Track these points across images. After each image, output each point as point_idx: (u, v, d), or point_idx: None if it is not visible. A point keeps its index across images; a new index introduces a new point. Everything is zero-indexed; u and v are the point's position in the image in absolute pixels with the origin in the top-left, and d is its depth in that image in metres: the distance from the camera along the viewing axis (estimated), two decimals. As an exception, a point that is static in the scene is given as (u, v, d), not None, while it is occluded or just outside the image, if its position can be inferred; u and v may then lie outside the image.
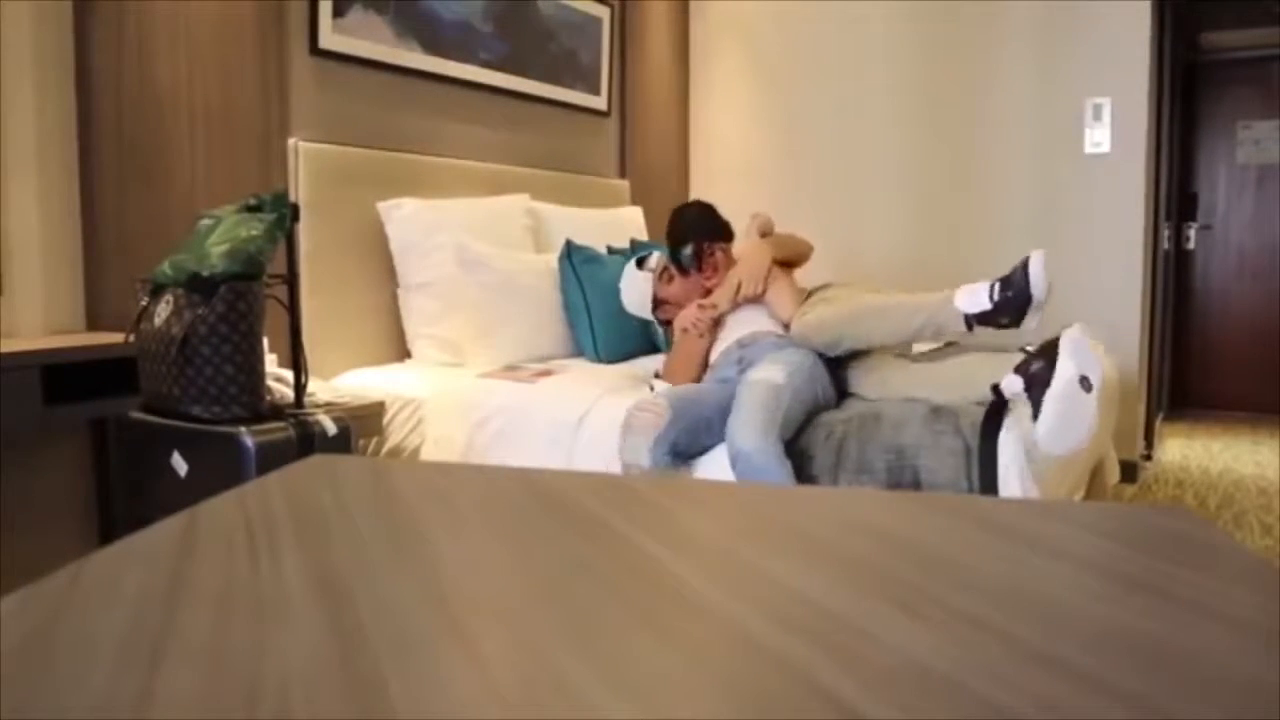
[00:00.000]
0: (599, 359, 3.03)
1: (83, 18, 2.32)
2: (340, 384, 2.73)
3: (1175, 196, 5.50)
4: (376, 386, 2.68)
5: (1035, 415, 2.03)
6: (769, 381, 2.23)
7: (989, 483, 2.07)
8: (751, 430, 2.12)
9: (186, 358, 1.87)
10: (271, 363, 2.18)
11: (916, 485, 2.12)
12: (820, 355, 2.46)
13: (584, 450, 2.42)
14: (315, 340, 2.76)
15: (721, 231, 2.83)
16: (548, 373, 2.75)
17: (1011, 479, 2.06)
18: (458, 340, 3.00)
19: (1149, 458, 4.39)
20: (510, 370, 2.80)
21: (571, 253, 3.11)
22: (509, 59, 3.60)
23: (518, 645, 0.55)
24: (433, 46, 3.25)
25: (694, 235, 2.78)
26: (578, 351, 3.12)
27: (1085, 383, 2.00)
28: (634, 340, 3.11)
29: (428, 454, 2.60)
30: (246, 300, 1.90)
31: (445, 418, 2.61)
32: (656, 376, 2.68)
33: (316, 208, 2.79)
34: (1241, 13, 5.41)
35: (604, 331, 3.02)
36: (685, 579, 0.66)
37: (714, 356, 2.61)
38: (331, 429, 2.00)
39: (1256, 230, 5.72)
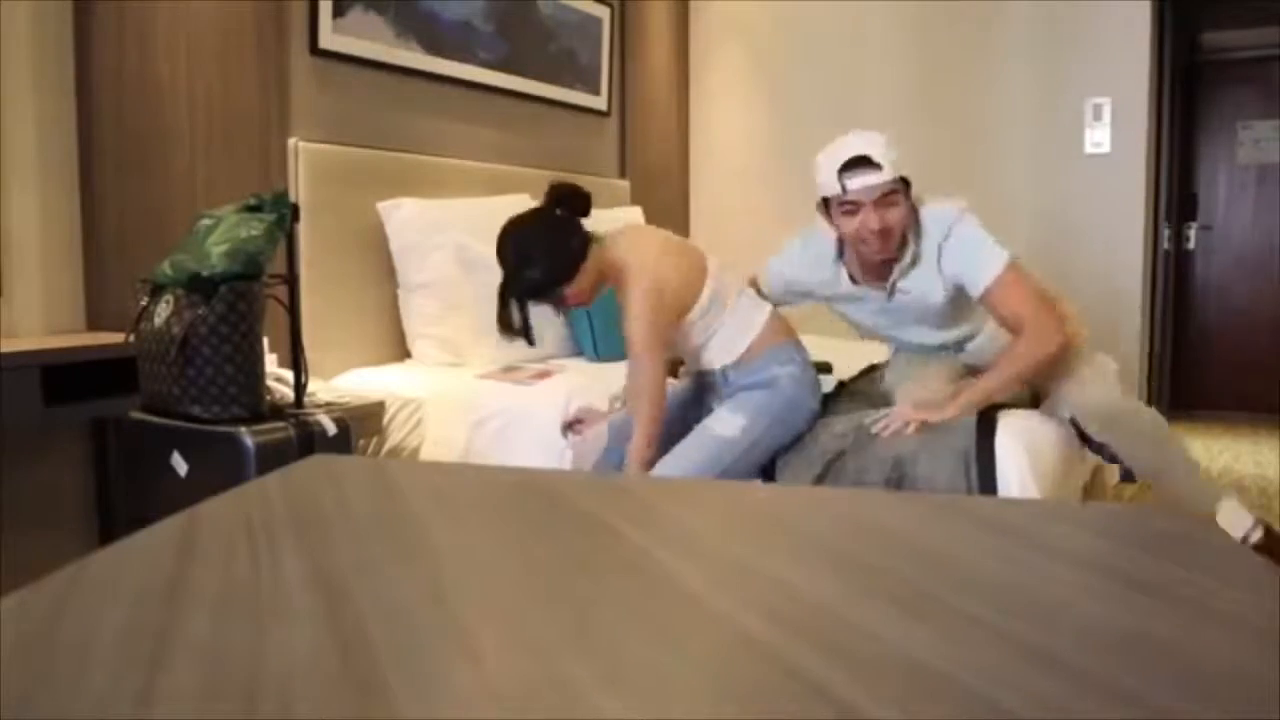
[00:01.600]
0: (597, 358, 3.03)
1: (83, 17, 2.32)
2: (340, 384, 2.73)
3: (1175, 196, 5.49)
4: (376, 386, 2.68)
5: None
6: (721, 436, 2.12)
7: (988, 484, 2.06)
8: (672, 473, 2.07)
9: (186, 358, 1.87)
10: (271, 363, 2.18)
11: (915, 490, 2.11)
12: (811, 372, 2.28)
13: None
14: (315, 340, 2.75)
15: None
16: (546, 374, 2.75)
17: (1011, 479, 2.06)
18: (457, 340, 3.00)
19: (1149, 458, 4.38)
20: (509, 371, 2.80)
21: (572, 253, 3.11)
22: (509, 59, 3.60)
23: (518, 645, 0.55)
24: (433, 46, 3.25)
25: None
26: (577, 351, 3.12)
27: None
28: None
29: (428, 454, 2.59)
30: (246, 300, 1.90)
31: (445, 418, 2.61)
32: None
33: (316, 208, 2.79)
34: (1241, 13, 5.41)
35: (603, 331, 3.02)
36: (685, 579, 0.66)
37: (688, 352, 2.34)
38: (331, 429, 2.00)
39: (1256, 230, 5.72)
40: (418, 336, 3.04)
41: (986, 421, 2.12)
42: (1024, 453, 2.07)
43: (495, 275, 2.94)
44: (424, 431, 2.62)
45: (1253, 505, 3.69)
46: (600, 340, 3.04)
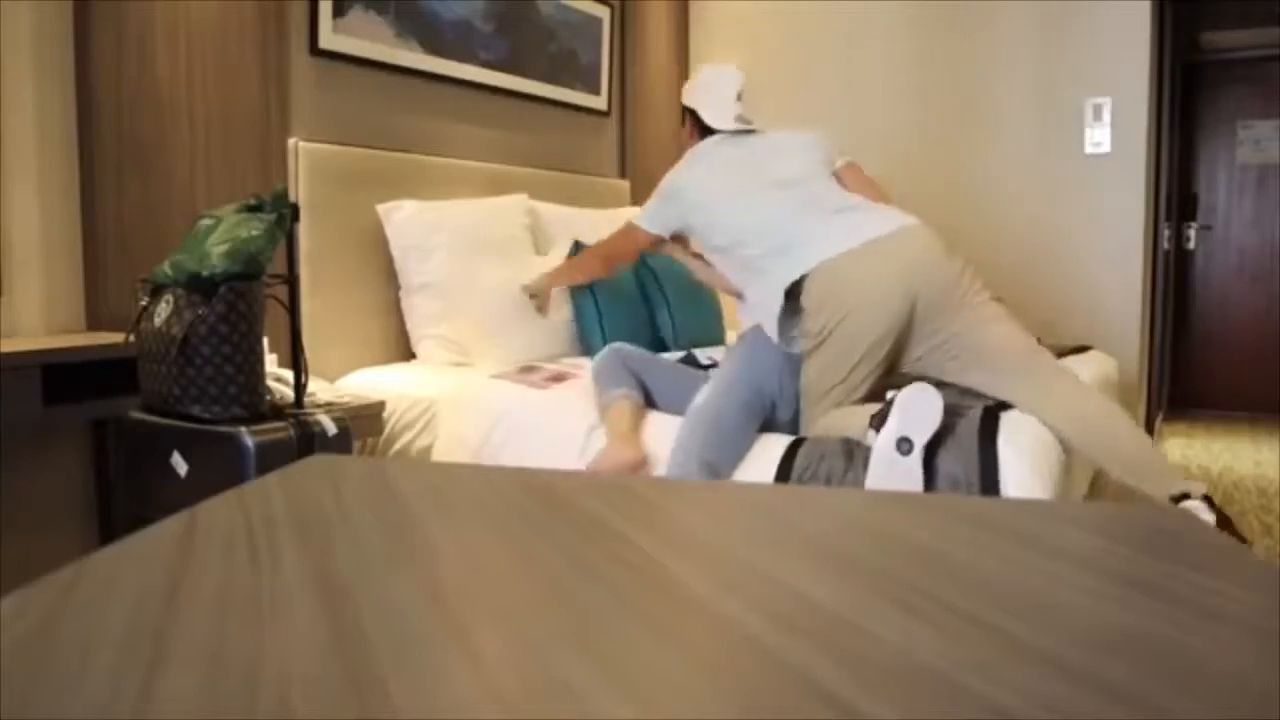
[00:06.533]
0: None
1: (83, 17, 2.32)
2: (348, 384, 2.72)
3: (1175, 196, 5.50)
4: (386, 387, 2.68)
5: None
6: (690, 406, 2.32)
7: (989, 477, 2.05)
8: (675, 449, 2.27)
9: (186, 358, 1.87)
10: (271, 363, 2.18)
11: None
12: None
13: (593, 457, 2.40)
14: (317, 340, 2.75)
15: None
16: (562, 375, 2.71)
17: (1011, 478, 2.04)
18: (464, 340, 2.99)
19: (1149, 458, 4.38)
20: (525, 372, 2.75)
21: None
22: (509, 59, 3.60)
23: (518, 645, 0.55)
24: (433, 46, 3.25)
25: None
26: (585, 351, 3.10)
27: (904, 444, 2.02)
28: (645, 341, 3.09)
29: (440, 454, 2.58)
30: (246, 300, 1.90)
31: (458, 418, 2.59)
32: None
33: (316, 208, 2.79)
34: (1241, 13, 5.41)
35: (614, 333, 3.01)
36: (685, 579, 0.66)
37: None
38: (331, 429, 2.00)
39: (1256, 230, 5.72)
40: (422, 337, 3.03)
41: (990, 419, 2.12)
42: (1027, 453, 2.07)
43: (498, 274, 2.95)
44: (437, 431, 2.61)
45: (1253, 505, 3.69)
46: (610, 336, 3.02)
